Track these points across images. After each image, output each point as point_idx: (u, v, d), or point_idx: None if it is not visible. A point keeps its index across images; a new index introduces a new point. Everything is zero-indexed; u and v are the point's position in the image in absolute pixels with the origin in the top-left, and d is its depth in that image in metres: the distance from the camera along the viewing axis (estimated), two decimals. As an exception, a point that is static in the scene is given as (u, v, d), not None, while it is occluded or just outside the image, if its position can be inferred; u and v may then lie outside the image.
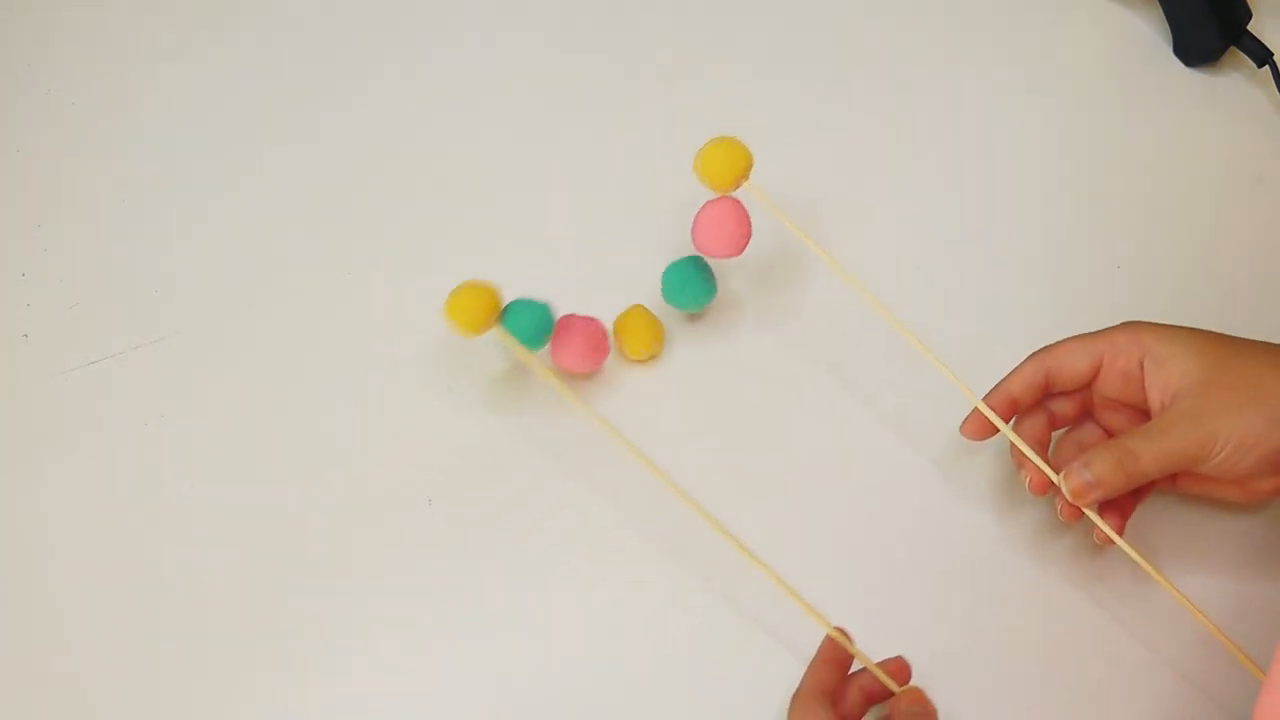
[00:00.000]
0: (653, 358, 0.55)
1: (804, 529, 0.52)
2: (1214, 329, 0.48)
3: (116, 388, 0.55)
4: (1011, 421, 0.50)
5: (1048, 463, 0.48)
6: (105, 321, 0.57)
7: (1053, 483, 0.48)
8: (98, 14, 0.69)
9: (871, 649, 0.47)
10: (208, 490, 0.53)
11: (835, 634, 0.46)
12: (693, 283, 0.54)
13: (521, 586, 0.50)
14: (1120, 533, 0.48)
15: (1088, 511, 0.47)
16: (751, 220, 0.51)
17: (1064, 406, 0.50)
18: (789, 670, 0.47)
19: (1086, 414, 0.51)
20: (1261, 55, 0.63)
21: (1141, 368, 0.47)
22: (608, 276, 0.57)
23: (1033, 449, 0.48)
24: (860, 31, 0.67)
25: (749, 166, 0.50)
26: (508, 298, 0.50)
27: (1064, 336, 0.50)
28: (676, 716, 0.48)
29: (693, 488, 0.47)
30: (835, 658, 0.46)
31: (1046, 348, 0.49)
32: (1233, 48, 0.64)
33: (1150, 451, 0.46)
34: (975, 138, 0.63)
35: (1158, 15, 0.66)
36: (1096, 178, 0.61)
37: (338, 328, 0.57)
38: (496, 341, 0.51)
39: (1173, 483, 0.50)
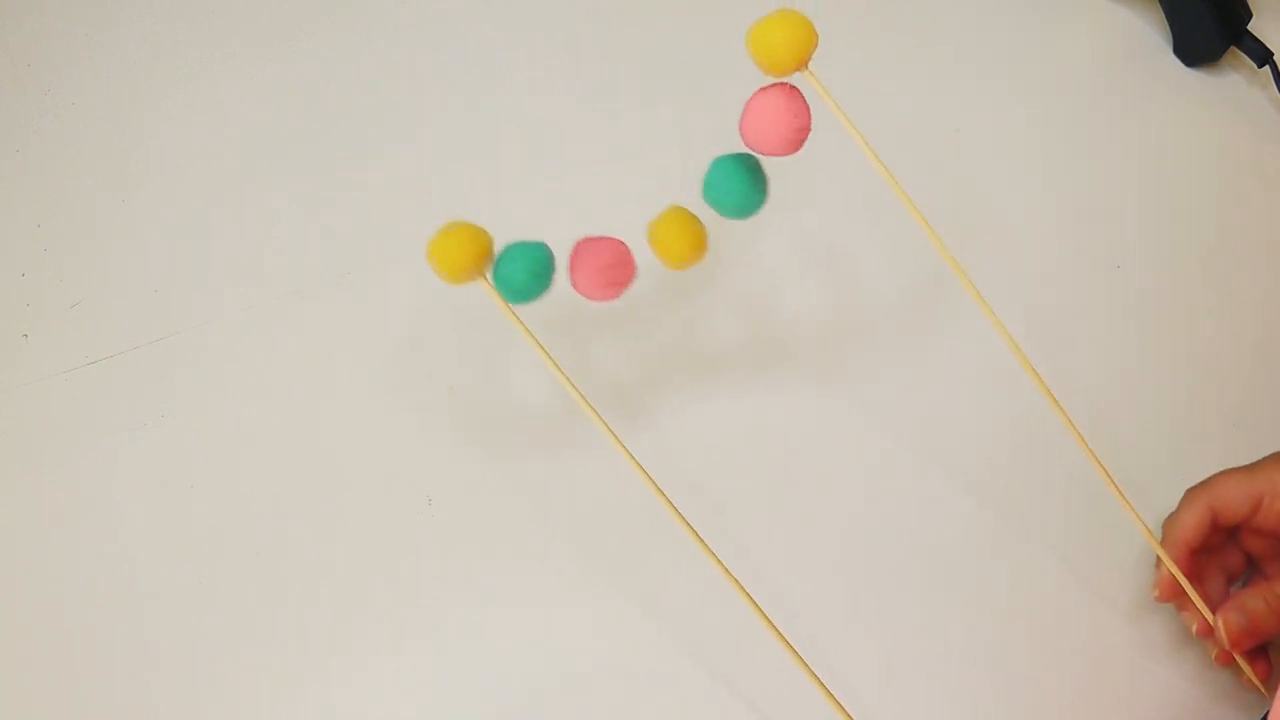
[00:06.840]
0: (695, 262, 0.44)
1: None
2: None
3: (116, 388, 0.55)
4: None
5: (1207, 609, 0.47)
6: (105, 321, 0.57)
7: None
8: (98, 14, 0.69)
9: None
10: (208, 490, 0.53)
11: None
12: (738, 178, 0.42)
13: (522, 587, 0.50)
14: (1266, 675, 0.47)
15: (1237, 657, 0.47)
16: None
17: (1233, 559, 0.50)
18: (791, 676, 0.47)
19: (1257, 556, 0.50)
20: (1261, 55, 0.63)
21: None
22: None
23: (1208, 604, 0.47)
24: (859, 30, 0.67)
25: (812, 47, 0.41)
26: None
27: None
28: (678, 713, 0.48)
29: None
30: None
31: (1203, 486, 0.49)
32: (1233, 48, 0.64)
33: None
34: (974, 137, 0.63)
35: (1158, 15, 0.66)
36: (1096, 177, 0.61)
37: (337, 327, 0.57)
38: (497, 338, 0.51)
39: None
